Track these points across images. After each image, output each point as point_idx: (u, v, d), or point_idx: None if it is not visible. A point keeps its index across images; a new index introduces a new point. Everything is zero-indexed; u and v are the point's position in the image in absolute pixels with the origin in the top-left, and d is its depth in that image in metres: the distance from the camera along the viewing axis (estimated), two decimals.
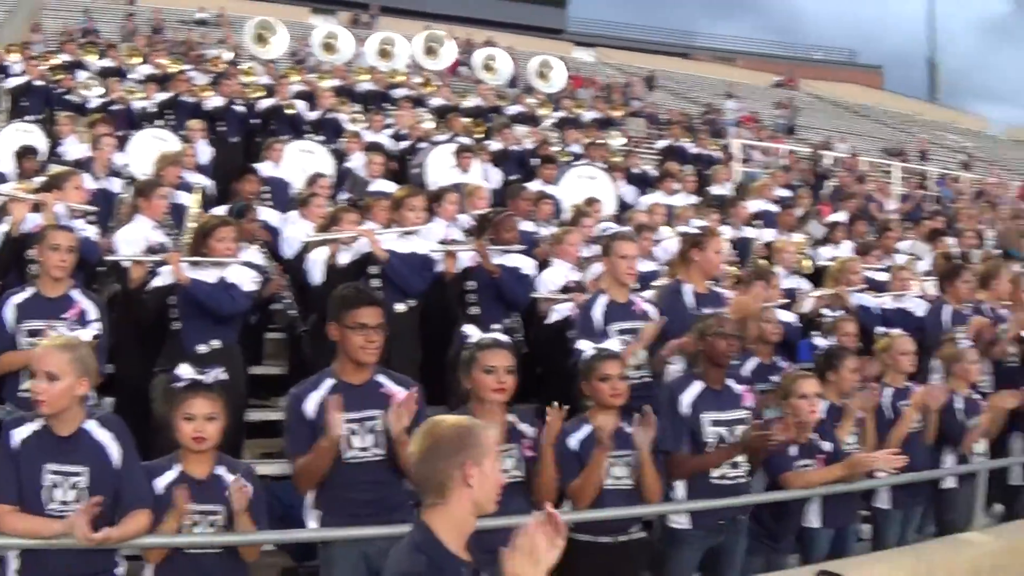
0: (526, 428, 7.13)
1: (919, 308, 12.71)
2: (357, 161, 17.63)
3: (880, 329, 10.52)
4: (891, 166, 35.94)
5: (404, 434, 6.27)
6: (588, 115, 27.87)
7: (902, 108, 73.18)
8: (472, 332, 7.12)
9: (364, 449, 6.64)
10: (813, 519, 8.67)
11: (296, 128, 20.67)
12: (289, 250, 12.55)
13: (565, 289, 11.49)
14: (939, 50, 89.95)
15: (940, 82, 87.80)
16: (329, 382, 6.75)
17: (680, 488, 7.86)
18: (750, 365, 9.66)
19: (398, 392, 6.73)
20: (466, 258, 11.09)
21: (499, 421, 6.69)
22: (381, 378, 6.87)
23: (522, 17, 78.11)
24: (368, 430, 6.67)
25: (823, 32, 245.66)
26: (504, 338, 7.27)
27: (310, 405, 6.65)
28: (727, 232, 15.76)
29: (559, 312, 11.13)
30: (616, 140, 25.76)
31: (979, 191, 32.40)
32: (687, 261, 9.48)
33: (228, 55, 28.58)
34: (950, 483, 9.97)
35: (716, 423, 7.88)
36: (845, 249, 16.49)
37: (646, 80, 50.76)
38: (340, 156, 18.78)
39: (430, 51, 31.46)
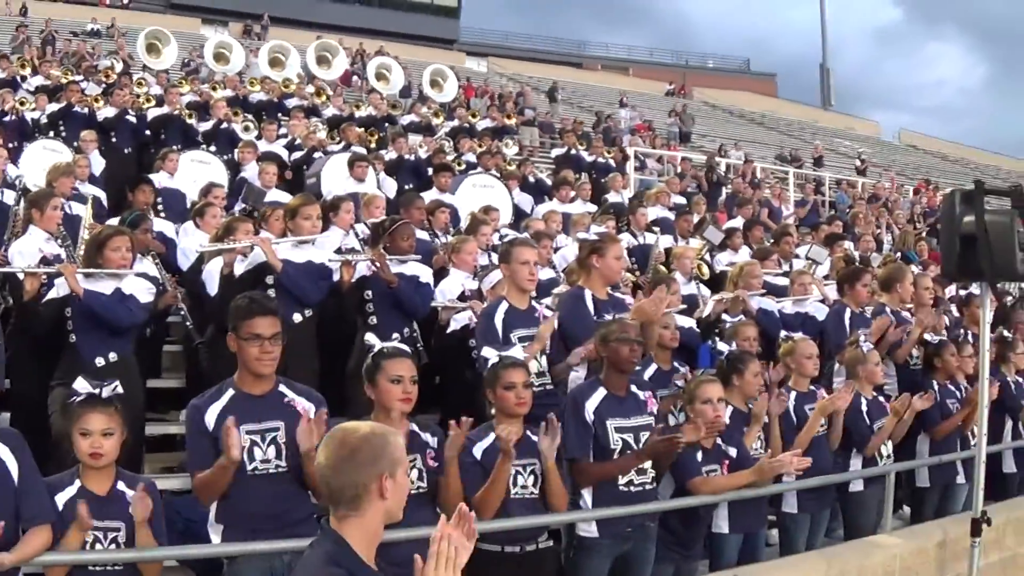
0: (428, 438, 7.01)
1: (819, 312, 12.82)
2: (252, 171, 17.53)
3: (783, 333, 10.57)
4: (786, 172, 36.28)
5: (314, 451, 6.15)
6: (482, 124, 27.96)
7: (796, 115, 74.42)
8: (375, 341, 6.99)
9: (267, 461, 6.46)
10: (722, 525, 8.65)
11: (189, 138, 20.53)
12: (185, 261, 12.42)
13: (462, 297, 11.45)
14: (832, 57, 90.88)
15: (833, 89, 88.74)
16: (230, 393, 6.59)
17: (587, 496, 7.78)
18: (650, 371, 9.60)
19: (308, 407, 6.60)
20: (363, 267, 10.96)
21: (402, 431, 6.58)
22: (283, 388, 6.73)
23: (414, 27, 78.29)
24: (270, 442, 6.51)
25: (716, 41, 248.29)
26: (407, 347, 7.15)
27: (211, 417, 6.46)
28: (626, 239, 15.80)
29: (458, 321, 11.08)
30: (510, 149, 25.83)
31: (874, 195, 32.72)
32: (587, 268, 9.41)
33: (120, 66, 28.36)
34: (857, 486, 10.00)
35: (621, 430, 7.79)
36: (743, 255, 16.55)
37: (548, 92, 50.91)
38: (234, 166, 18.66)
39: (322, 61, 31.52)
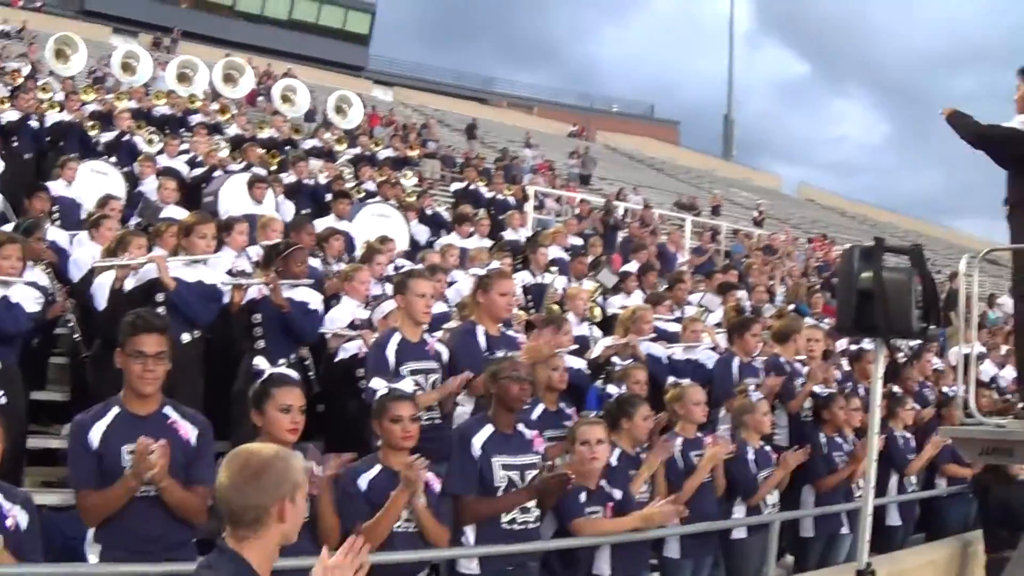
0: (312, 466, 6.96)
1: (709, 360, 12.85)
2: (150, 185, 17.38)
3: (671, 379, 10.61)
4: (683, 219, 36.51)
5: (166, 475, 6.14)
6: (384, 153, 27.89)
7: (696, 164, 75.16)
8: (264, 366, 6.92)
9: (148, 483, 6.28)
10: (603, 567, 8.61)
11: (87, 147, 20.29)
12: (77, 272, 12.16)
13: (352, 326, 11.34)
14: (736, 109, 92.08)
15: (735, 140, 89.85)
16: (115, 411, 6.49)
17: (470, 533, 7.74)
18: (537, 411, 9.56)
19: (191, 431, 6.55)
20: (253, 290, 10.84)
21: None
22: (168, 410, 6.63)
23: (324, 52, 78.43)
24: (163, 452, 6.33)
25: (622, 85, 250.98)
26: (296, 375, 7.10)
27: (95, 435, 6.36)
28: (524, 277, 15.84)
29: (347, 350, 11.01)
30: (408, 180, 25.77)
31: (770, 247, 33.00)
32: (478, 303, 9.44)
33: (27, 69, 28.08)
34: (740, 533, 10.06)
35: (507, 467, 7.78)
36: (636, 299, 16.63)
37: (467, 128, 51.12)
38: (133, 179, 18.49)
39: (229, 79, 31.33)
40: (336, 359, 11.11)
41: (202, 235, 10.80)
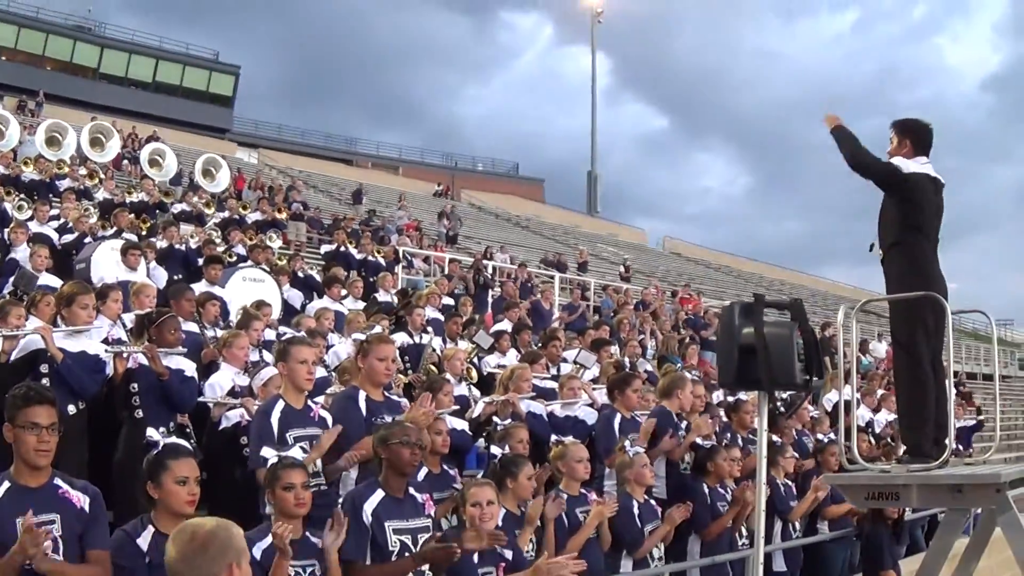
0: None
1: (589, 416, 13.07)
2: (23, 253, 17.24)
3: (553, 437, 10.71)
4: (552, 276, 36.74)
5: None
6: (252, 216, 27.87)
7: (563, 220, 75.84)
8: (157, 437, 6.91)
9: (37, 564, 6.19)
10: None
11: None
12: None
13: (232, 393, 11.30)
14: (599, 164, 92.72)
15: (600, 195, 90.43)
16: (6, 485, 6.40)
17: None
18: (421, 474, 9.60)
19: (83, 499, 6.50)
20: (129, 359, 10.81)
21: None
22: (58, 481, 6.56)
23: (188, 114, 78.21)
24: (47, 535, 6.30)
25: (486, 144, 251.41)
26: (189, 446, 7.08)
27: None
28: (402, 338, 15.92)
29: (230, 419, 10.94)
30: (274, 243, 25.73)
31: (640, 302, 33.28)
32: (358, 368, 9.50)
33: None
34: None
35: (399, 531, 7.76)
36: (511, 358, 16.78)
37: (354, 194, 51.20)
38: (4, 247, 18.33)
39: (96, 143, 31.17)
40: (220, 427, 11.04)
41: (83, 305, 10.76)
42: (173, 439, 7.08)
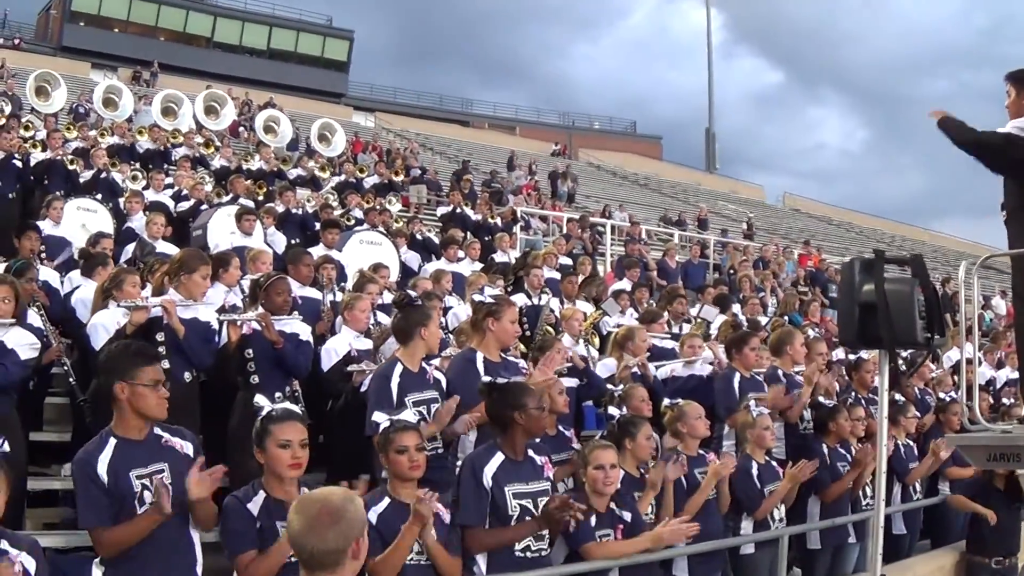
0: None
1: (709, 375, 12.85)
2: (139, 221, 17.35)
3: (666, 401, 10.51)
4: (671, 234, 36.43)
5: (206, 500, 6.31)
6: (369, 180, 27.83)
7: (681, 178, 75.11)
8: (264, 403, 6.83)
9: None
10: None
11: (74, 184, 20.20)
12: (85, 311, 11.67)
13: (348, 356, 11.26)
14: (716, 121, 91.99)
15: (717, 152, 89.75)
16: (112, 441, 6.47)
17: (481, 562, 7.62)
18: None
19: (186, 446, 6.70)
20: (244, 325, 10.70)
21: (294, 496, 6.44)
22: (159, 431, 6.68)
23: (303, 80, 78.55)
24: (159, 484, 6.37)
25: (602, 103, 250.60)
26: (297, 409, 6.99)
27: (102, 468, 6.34)
28: (520, 299, 15.77)
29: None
30: (393, 206, 25.67)
31: (762, 259, 32.90)
32: (482, 330, 9.34)
33: (8, 108, 27.93)
34: (748, 549, 10.03)
35: (519, 495, 7.66)
36: (629, 317, 16.57)
37: (508, 161, 51.30)
38: (120, 215, 18.41)
39: (211, 111, 31.30)
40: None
41: (204, 275, 10.63)
42: (283, 404, 7.03)
